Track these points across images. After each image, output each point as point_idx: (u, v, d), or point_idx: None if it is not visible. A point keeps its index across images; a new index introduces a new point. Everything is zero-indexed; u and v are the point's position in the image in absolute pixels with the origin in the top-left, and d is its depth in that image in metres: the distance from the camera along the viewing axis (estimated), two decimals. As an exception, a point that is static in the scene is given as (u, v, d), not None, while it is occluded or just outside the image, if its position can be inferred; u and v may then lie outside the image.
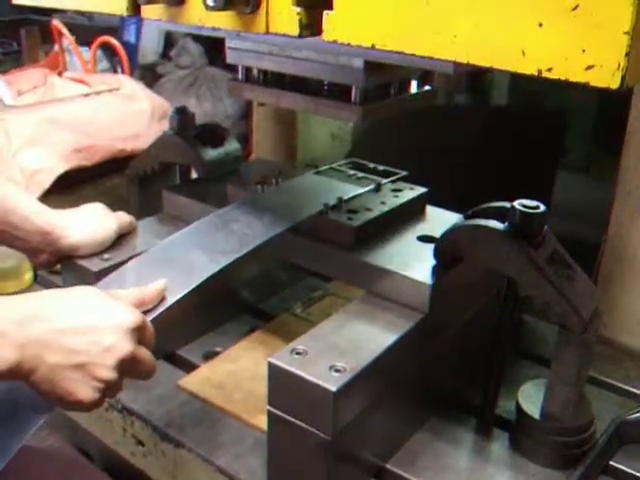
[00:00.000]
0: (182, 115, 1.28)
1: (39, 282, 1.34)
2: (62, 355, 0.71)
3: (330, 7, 0.68)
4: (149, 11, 0.85)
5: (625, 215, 1.16)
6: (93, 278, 0.98)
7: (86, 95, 1.85)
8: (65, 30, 2.26)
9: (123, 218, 1.11)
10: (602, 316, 0.90)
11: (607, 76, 0.54)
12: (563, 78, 0.56)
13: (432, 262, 0.93)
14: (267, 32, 0.75)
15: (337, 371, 0.79)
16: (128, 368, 0.76)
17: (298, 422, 0.81)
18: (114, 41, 2.33)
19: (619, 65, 0.53)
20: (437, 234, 0.94)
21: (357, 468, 0.88)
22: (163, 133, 1.34)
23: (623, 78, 0.53)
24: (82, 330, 0.73)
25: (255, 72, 1.09)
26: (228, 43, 1.08)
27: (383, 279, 0.95)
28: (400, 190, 1.15)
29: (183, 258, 0.92)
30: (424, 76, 1.09)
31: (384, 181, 1.17)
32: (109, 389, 0.75)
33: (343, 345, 0.84)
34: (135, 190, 1.41)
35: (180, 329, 1.11)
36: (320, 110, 1.03)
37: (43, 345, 0.70)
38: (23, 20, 3.18)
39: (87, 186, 1.71)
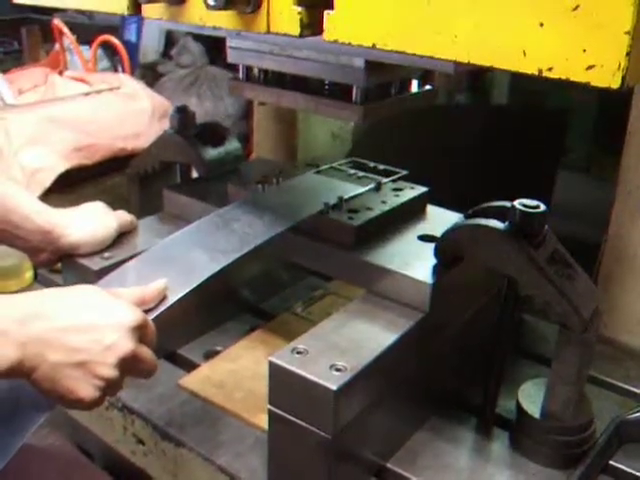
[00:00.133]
0: (183, 114, 1.28)
1: (40, 281, 1.34)
2: (63, 353, 0.71)
3: (331, 7, 0.68)
4: (150, 10, 0.85)
5: (625, 215, 1.16)
6: (94, 277, 0.98)
7: (87, 94, 1.85)
8: (66, 29, 2.26)
9: (123, 217, 1.12)
10: (602, 315, 0.90)
11: (608, 76, 0.54)
12: (564, 78, 0.56)
13: (433, 261, 0.93)
14: (268, 31, 0.75)
15: (338, 370, 0.79)
16: (129, 367, 0.76)
17: (299, 421, 0.81)
18: (115, 40, 2.33)
19: (620, 65, 0.53)
20: (438, 233, 0.94)
21: (357, 467, 0.88)
22: (164, 132, 1.34)
23: (624, 78, 0.53)
24: (83, 328, 0.73)
25: (256, 71, 1.09)
26: (229, 42, 1.08)
27: (384, 278, 0.95)
28: (401, 189, 1.15)
29: (184, 257, 0.92)
30: (425, 75, 1.09)
31: (385, 180, 1.17)
32: (110, 387, 0.75)
33: (344, 344, 0.84)
34: (136, 189, 1.41)
35: (181, 328, 1.11)
36: (321, 110, 1.03)
37: (44, 343, 0.70)
38: (24, 19, 3.18)
39: (88, 185, 1.72)
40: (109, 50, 2.70)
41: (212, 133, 1.30)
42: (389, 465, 0.92)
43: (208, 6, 0.74)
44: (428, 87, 1.10)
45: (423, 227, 1.08)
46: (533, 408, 0.91)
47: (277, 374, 0.81)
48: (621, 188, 1.16)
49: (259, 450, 0.92)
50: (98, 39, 2.31)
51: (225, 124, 1.76)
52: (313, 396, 0.78)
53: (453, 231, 0.89)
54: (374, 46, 0.66)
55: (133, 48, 3.00)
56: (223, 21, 0.77)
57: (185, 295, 0.87)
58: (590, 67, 0.55)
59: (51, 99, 1.85)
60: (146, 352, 0.79)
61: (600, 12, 0.53)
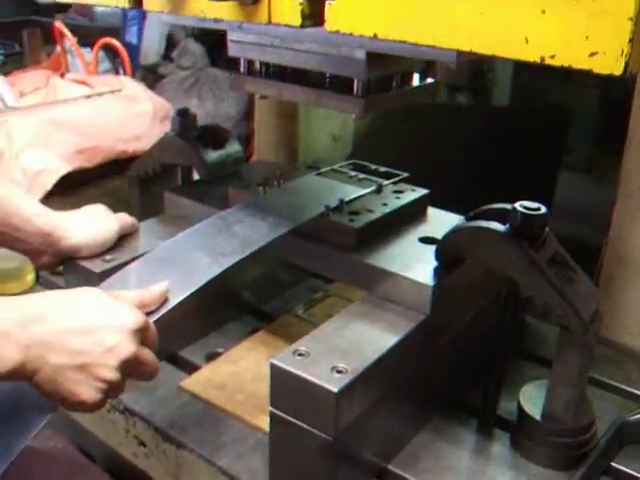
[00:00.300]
0: (184, 117, 1.29)
1: (41, 283, 1.34)
2: (65, 356, 0.71)
3: (332, -4, 0.68)
4: (151, 3, 0.85)
5: (626, 217, 1.16)
6: (95, 279, 0.98)
7: (88, 97, 1.86)
8: (67, 31, 2.26)
9: (124, 219, 1.12)
10: (603, 317, 0.90)
11: (611, 63, 0.53)
12: (566, 65, 0.56)
13: (433, 264, 0.93)
14: (269, 22, 0.74)
15: (339, 372, 0.79)
16: (131, 369, 0.76)
17: (300, 423, 0.81)
18: (116, 42, 2.33)
19: (622, 51, 0.52)
20: (438, 236, 0.94)
21: (359, 469, 0.88)
22: (165, 135, 1.34)
23: (626, 65, 0.53)
24: (85, 331, 0.73)
25: (257, 65, 1.09)
26: (230, 36, 1.08)
27: (385, 280, 0.95)
28: (401, 191, 1.15)
29: (185, 260, 0.92)
30: (426, 69, 1.08)
31: (385, 182, 1.17)
32: (112, 390, 0.75)
33: (345, 346, 0.85)
34: (137, 191, 1.41)
35: (182, 330, 1.11)
36: (322, 102, 1.03)
37: (46, 346, 0.70)
38: (25, 22, 3.19)
39: (89, 187, 1.72)
40: (110, 52, 2.70)
41: (213, 135, 1.30)
42: (390, 467, 0.92)
43: None
44: (430, 80, 1.10)
45: (424, 229, 1.08)
46: (534, 410, 0.91)
47: (278, 376, 0.81)
48: (622, 190, 1.16)
49: (260, 452, 0.92)
50: (99, 41, 2.31)
51: (226, 125, 1.77)
52: (314, 398, 0.78)
53: (454, 233, 0.89)
54: (375, 36, 0.66)
55: (134, 50, 3.00)
56: (224, 13, 0.77)
57: (186, 298, 0.87)
58: (593, 54, 0.54)
59: (52, 102, 1.85)
60: (148, 354, 0.79)
61: None
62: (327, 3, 0.69)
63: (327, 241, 1.02)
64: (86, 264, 1.03)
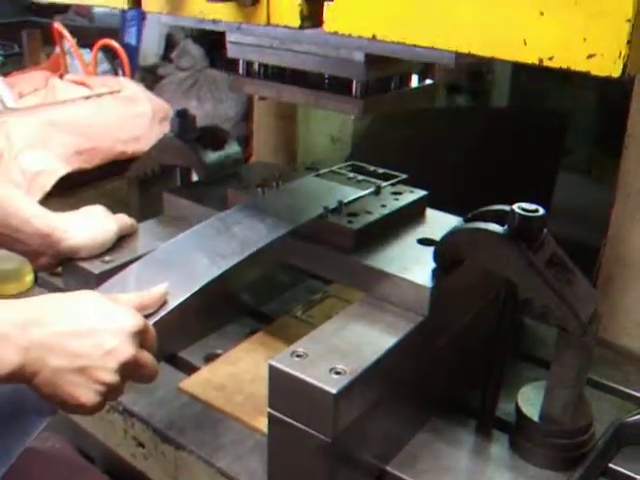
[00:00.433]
0: (183, 118, 1.29)
1: (40, 284, 1.34)
2: (64, 358, 0.71)
3: (331, -2, 0.68)
4: (150, 4, 0.85)
5: (625, 218, 1.16)
6: (94, 280, 0.99)
7: (87, 98, 1.86)
8: (66, 32, 2.26)
9: (123, 220, 1.12)
10: (602, 319, 0.90)
11: (609, 64, 0.53)
12: (565, 67, 0.56)
13: (432, 265, 0.93)
14: (268, 23, 0.75)
15: (337, 373, 0.79)
16: (130, 372, 0.77)
17: (298, 424, 0.81)
18: (115, 43, 2.33)
19: (620, 53, 0.53)
20: (437, 237, 0.94)
21: (357, 470, 0.88)
22: (164, 136, 1.34)
23: (625, 67, 0.53)
24: (84, 333, 0.73)
25: (256, 66, 1.09)
26: (228, 37, 1.08)
27: (383, 282, 0.95)
28: (400, 193, 1.16)
29: (184, 261, 0.92)
30: (424, 70, 1.08)
31: (384, 184, 1.17)
32: (111, 392, 0.75)
33: (343, 347, 0.85)
34: (136, 192, 1.41)
35: (181, 331, 1.11)
36: (321, 103, 1.03)
37: (46, 348, 0.71)
38: (24, 22, 3.19)
39: (88, 188, 1.72)
40: (109, 53, 2.70)
41: (212, 137, 1.30)
42: (389, 468, 0.92)
43: None
44: (428, 82, 1.10)
45: (422, 231, 1.09)
46: (532, 411, 0.92)
47: (277, 377, 0.81)
48: (621, 191, 1.16)
49: (259, 453, 0.92)
50: (98, 42, 2.32)
51: (225, 126, 1.77)
52: (313, 399, 0.78)
53: (452, 235, 0.89)
54: (374, 37, 0.66)
55: (133, 51, 3.00)
56: (223, 14, 0.77)
57: (186, 300, 0.87)
58: (591, 56, 0.54)
59: (52, 103, 1.85)
60: (147, 357, 0.79)
61: (601, 0, 0.52)
62: (326, 4, 0.69)
63: (326, 242, 1.03)
64: (85, 265, 1.03)
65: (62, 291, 0.98)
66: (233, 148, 1.31)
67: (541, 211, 0.83)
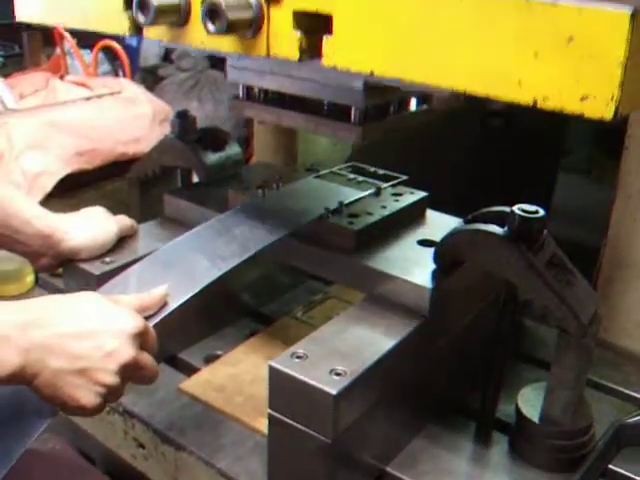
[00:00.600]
0: (183, 119, 1.29)
1: (40, 285, 1.34)
2: (65, 360, 0.71)
3: (330, 32, 0.69)
4: (151, 32, 0.87)
5: (625, 219, 1.16)
6: (95, 281, 0.99)
7: (88, 99, 1.86)
8: (67, 33, 2.26)
9: (124, 221, 1.12)
10: (602, 320, 0.90)
11: (601, 107, 0.55)
12: (558, 108, 0.57)
13: (432, 266, 0.93)
14: (268, 55, 0.76)
15: (337, 375, 0.79)
16: (130, 373, 0.77)
17: (298, 425, 0.81)
18: (115, 44, 2.33)
19: (613, 96, 0.54)
20: (437, 238, 0.94)
21: (357, 471, 0.88)
22: (164, 137, 1.34)
23: (617, 109, 0.54)
24: (85, 335, 0.74)
25: (256, 90, 1.09)
26: (229, 61, 1.08)
27: (384, 283, 0.95)
28: (400, 194, 1.16)
29: (185, 263, 0.92)
30: (423, 96, 1.08)
31: (384, 185, 1.17)
32: (111, 394, 0.75)
33: (343, 349, 0.85)
34: (136, 194, 1.42)
35: (181, 332, 1.11)
36: (320, 129, 1.03)
37: (46, 350, 0.71)
38: (25, 24, 3.18)
39: (88, 189, 1.72)
40: (110, 54, 2.70)
41: (213, 138, 1.30)
42: (389, 469, 0.92)
43: (209, 32, 0.75)
44: (426, 106, 1.10)
45: (423, 232, 1.09)
46: (532, 412, 0.92)
47: (277, 378, 0.81)
48: (621, 192, 1.16)
49: (259, 454, 0.92)
50: (99, 43, 2.32)
51: (225, 128, 1.77)
52: (313, 400, 0.78)
53: (452, 236, 0.89)
54: (372, 73, 0.67)
55: (134, 52, 3.00)
56: (224, 45, 0.79)
57: (186, 301, 0.87)
58: (584, 98, 0.55)
59: (52, 104, 1.86)
60: (147, 359, 0.79)
61: (594, 44, 0.53)
62: (325, 38, 0.70)
63: (326, 243, 1.03)
64: (85, 266, 1.03)
65: (63, 292, 0.99)
66: (233, 149, 1.31)
67: (541, 212, 0.83)
